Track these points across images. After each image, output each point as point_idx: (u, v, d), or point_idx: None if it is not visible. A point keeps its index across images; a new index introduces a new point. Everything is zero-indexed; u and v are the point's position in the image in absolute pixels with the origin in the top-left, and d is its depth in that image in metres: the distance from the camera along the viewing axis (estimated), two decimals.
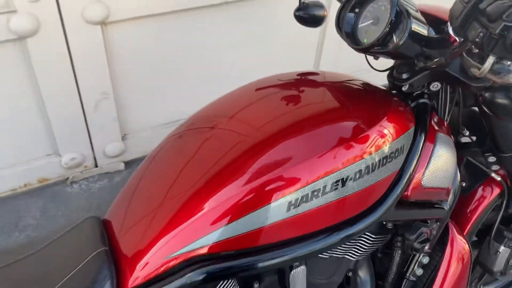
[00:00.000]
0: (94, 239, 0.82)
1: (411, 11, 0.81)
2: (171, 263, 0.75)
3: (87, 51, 1.57)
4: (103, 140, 1.82)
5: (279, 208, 0.74)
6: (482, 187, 1.27)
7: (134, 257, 0.77)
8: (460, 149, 1.12)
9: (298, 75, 0.97)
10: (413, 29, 0.79)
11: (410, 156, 0.88)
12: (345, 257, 1.02)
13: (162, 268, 0.76)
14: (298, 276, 0.85)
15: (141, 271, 0.76)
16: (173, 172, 0.82)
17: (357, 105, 0.89)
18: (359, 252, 1.01)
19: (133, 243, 0.79)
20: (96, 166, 1.89)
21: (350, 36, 0.88)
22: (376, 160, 0.81)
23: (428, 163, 0.92)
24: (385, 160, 0.82)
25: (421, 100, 0.95)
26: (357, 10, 0.88)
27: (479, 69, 0.69)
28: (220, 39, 1.78)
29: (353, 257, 1.02)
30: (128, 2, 1.56)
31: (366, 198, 0.82)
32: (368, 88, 0.96)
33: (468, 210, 1.28)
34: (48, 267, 0.83)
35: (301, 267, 0.84)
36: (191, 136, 0.88)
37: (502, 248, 1.34)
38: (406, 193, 0.89)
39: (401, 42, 0.78)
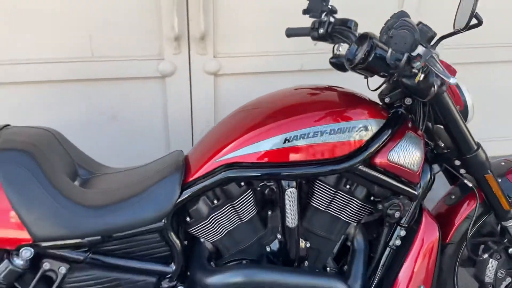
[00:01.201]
0: (176, 156, 1.42)
1: (380, 45, 1.33)
2: (215, 166, 1.31)
3: (202, 91, 2.31)
4: None
5: (278, 140, 1.28)
6: (465, 200, 1.61)
7: (197, 163, 1.35)
8: (439, 157, 1.52)
9: (328, 86, 1.52)
10: (378, 55, 1.31)
11: (378, 136, 1.35)
12: (340, 218, 1.45)
13: (210, 169, 1.31)
14: (291, 194, 1.32)
15: (199, 171, 1.33)
16: (230, 123, 1.42)
17: (350, 100, 1.41)
18: (350, 214, 1.44)
19: (198, 156, 1.37)
20: None
21: (349, 60, 1.41)
22: (346, 127, 1.30)
23: (395, 146, 1.37)
24: (353, 129, 1.31)
25: (398, 110, 1.44)
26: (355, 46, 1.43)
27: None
28: None
29: (346, 218, 1.44)
30: (233, 62, 2.30)
31: (336, 149, 1.30)
32: (365, 97, 1.47)
33: (453, 218, 1.61)
34: (146, 171, 1.43)
35: (293, 188, 1.32)
36: (244, 110, 1.47)
37: (486, 256, 1.60)
38: (374, 160, 1.34)
39: (369, 59, 1.29)
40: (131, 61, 2.20)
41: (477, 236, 1.68)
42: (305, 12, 1.57)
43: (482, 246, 1.67)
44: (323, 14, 1.53)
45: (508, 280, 1.70)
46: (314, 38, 1.61)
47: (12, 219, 1.19)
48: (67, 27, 2.07)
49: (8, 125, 1.39)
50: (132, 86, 2.25)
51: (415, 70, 1.15)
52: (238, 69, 2.32)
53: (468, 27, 1.17)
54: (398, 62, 1.14)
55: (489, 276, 1.63)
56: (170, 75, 2.26)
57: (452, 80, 1.10)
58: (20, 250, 1.21)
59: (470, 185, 1.52)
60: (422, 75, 1.14)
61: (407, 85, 1.22)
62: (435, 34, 1.19)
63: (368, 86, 1.51)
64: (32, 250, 1.21)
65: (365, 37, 1.36)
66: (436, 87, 1.17)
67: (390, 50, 1.15)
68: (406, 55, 1.13)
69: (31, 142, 1.28)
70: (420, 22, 1.20)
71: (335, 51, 1.56)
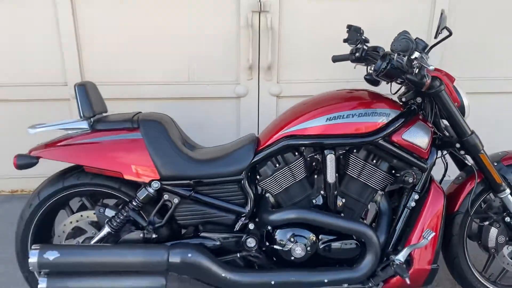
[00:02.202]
0: (251, 135, 2.04)
1: (395, 58, 1.90)
2: (279, 137, 1.91)
3: (267, 109, 2.98)
4: None
5: (322, 119, 1.87)
6: (469, 179, 2.07)
7: (265, 137, 1.96)
8: (445, 143, 2.03)
9: (362, 89, 2.10)
10: (393, 65, 1.88)
11: (395, 121, 1.90)
12: (369, 186, 1.98)
13: (276, 139, 1.92)
14: (330, 158, 1.88)
15: (268, 141, 1.94)
16: (290, 111, 2.03)
17: (376, 96, 1.98)
18: (376, 183, 1.96)
19: (266, 133, 1.99)
20: None
21: (376, 71, 1.99)
22: (371, 112, 1.87)
23: (407, 130, 1.91)
24: (376, 114, 1.87)
25: (412, 106, 1.99)
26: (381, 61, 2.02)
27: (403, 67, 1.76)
28: None
29: (373, 186, 1.97)
30: (292, 87, 2.96)
31: (363, 127, 1.86)
32: (388, 97, 2.03)
33: (460, 193, 2.07)
34: (230, 144, 2.06)
35: (332, 154, 1.89)
36: (300, 103, 2.07)
37: (487, 224, 2.03)
38: (392, 138, 1.89)
39: (388, 67, 1.87)
40: (216, 85, 2.92)
41: (482, 212, 2.13)
42: (345, 40, 2.19)
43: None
44: (358, 43, 2.15)
45: (509, 248, 2.11)
46: (352, 61, 2.19)
47: (149, 163, 1.85)
48: (173, 59, 2.85)
49: (140, 112, 2.09)
50: (215, 104, 2.97)
51: (414, 68, 1.73)
52: (296, 92, 2.96)
53: (440, 38, 1.77)
54: (402, 62, 1.73)
55: (491, 242, 2.06)
56: (243, 96, 2.95)
57: (431, 67, 1.67)
58: (152, 183, 1.86)
59: (470, 164, 2.01)
60: (417, 69, 1.72)
61: (410, 79, 1.79)
62: (427, 45, 1.77)
63: (390, 90, 2.09)
64: (159, 183, 1.86)
65: (386, 54, 1.96)
66: (427, 79, 1.74)
67: (395, 55, 1.74)
68: (406, 57, 1.72)
69: (160, 118, 1.97)
70: (417, 38, 1.79)
71: (368, 70, 2.14)
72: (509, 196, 2.00)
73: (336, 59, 2.28)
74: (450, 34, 1.75)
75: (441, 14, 1.78)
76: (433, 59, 2.88)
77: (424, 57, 1.73)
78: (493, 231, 2.06)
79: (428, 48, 1.80)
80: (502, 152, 2.15)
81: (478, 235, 2.13)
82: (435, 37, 1.82)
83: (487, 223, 2.06)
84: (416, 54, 1.73)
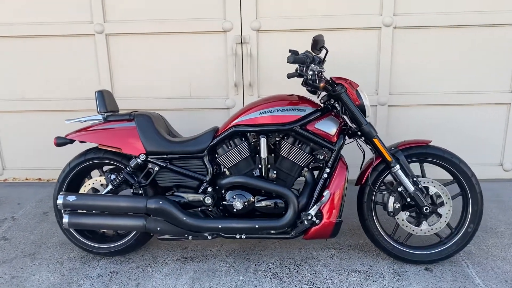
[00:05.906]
0: (213, 127, 2.89)
1: (301, 69, 2.69)
2: (230, 126, 2.73)
3: None
4: None
5: (257, 113, 2.68)
6: (375, 160, 2.76)
7: (222, 127, 2.80)
8: (352, 133, 2.75)
9: (295, 94, 2.89)
10: (306, 76, 2.67)
11: (311, 115, 2.67)
12: (296, 163, 2.74)
13: (227, 127, 2.74)
14: (263, 141, 2.66)
15: (223, 130, 2.76)
16: (241, 108, 2.86)
17: (302, 98, 2.76)
18: (301, 161, 2.72)
19: (223, 124, 2.83)
20: None
21: (304, 83, 2.79)
22: (293, 108, 2.65)
23: (319, 121, 2.67)
24: (297, 110, 2.65)
25: (327, 105, 2.75)
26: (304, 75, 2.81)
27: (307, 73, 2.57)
28: None
29: (299, 163, 2.73)
30: None
31: (286, 118, 2.63)
32: (312, 99, 2.81)
33: (367, 170, 2.76)
34: (196, 134, 2.92)
35: (264, 138, 2.67)
36: (246, 105, 2.90)
37: (386, 194, 2.69)
38: (307, 127, 2.65)
39: (304, 80, 2.67)
40: (210, 99, 3.82)
41: (384, 186, 2.80)
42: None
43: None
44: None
45: (407, 214, 2.75)
46: (297, 77, 3.00)
47: (138, 142, 2.74)
48: (179, 80, 3.81)
49: (136, 110, 3.00)
50: (210, 113, 3.86)
51: (310, 75, 2.53)
52: None
53: (322, 54, 2.55)
54: (305, 72, 2.53)
55: (390, 207, 2.72)
56: (232, 107, 3.82)
57: (316, 71, 2.46)
58: (140, 155, 2.74)
59: (370, 147, 2.72)
60: (312, 75, 2.51)
61: (310, 83, 2.57)
62: (321, 59, 2.55)
63: (317, 97, 2.87)
64: (145, 156, 2.74)
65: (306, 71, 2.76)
66: (321, 82, 2.51)
67: (304, 68, 2.54)
68: (305, 68, 2.52)
69: (150, 114, 2.88)
70: (315, 55, 2.57)
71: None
72: (399, 170, 2.67)
73: (289, 75, 3.09)
74: (327, 51, 2.53)
75: (317, 36, 2.56)
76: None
77: (314, 68, 2.51)
78: (391, 199, 2.71)
79: (322, 61, 2.58)
80: (400, 141, 2.83)
81: (384, 204, 2.79)
82: (319, 54, 2.60)
83: (385, 192, 2.72)
84: (312, 66, 2.52)
